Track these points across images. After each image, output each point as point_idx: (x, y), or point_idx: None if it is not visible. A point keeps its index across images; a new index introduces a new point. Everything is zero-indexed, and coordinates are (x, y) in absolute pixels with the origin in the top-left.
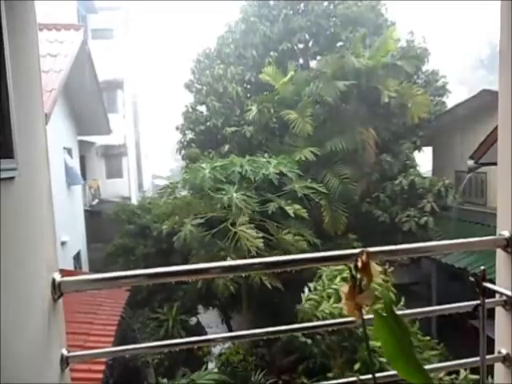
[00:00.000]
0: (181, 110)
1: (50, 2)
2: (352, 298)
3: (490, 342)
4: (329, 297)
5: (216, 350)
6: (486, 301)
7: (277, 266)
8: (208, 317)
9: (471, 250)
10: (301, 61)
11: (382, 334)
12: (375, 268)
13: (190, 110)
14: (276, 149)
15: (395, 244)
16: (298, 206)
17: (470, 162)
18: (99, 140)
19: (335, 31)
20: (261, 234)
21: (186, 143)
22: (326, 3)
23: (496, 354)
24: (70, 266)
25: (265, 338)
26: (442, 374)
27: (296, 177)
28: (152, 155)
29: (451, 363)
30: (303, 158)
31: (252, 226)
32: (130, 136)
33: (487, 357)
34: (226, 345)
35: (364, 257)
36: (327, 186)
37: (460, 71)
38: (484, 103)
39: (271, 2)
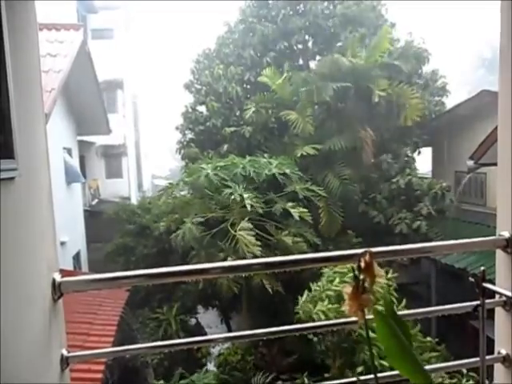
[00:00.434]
0: (180, 110)
1: (49, 1)
2: (355, 299)
3: (490, 343)
4: (327, 297)
5: (215, 350)
6: (486, 301)
7: (278, 266)
8: (207, 317)
9: (471, 251)
10: (300, 61)
11: (382, 334)
12: (378, 268)
13: (190, 110)
14: (275, 149)
15: (388, 245)
16: (303, 209)
17: (470, 163)
18: (99, 140)
19: (335, 31)
20: (259, 242)
21: (185, 143)
22: (325, 3)
23: (496, 355)
24: (70, 266)
25: (264, 338)
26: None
27: (296, 178)
28: (152, 155)
29: (451, 364)
30: (304, 154)
31: (253, 232)
32: (130, 136)
33: (487, 357)
34: (226, 345)
35: (367, 257)
36: (328, 186)
37: (460, 71)
38: (484, 103)
39: (270, 3)
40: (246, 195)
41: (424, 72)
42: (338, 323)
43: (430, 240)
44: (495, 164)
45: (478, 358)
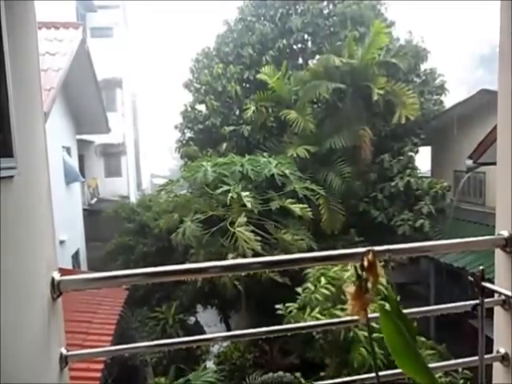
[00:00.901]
0: (179, 109)
1: (49, 0)
2: (358, 298)
3: (489, 342)
4: (316, 300)
5: (215, 348)
6: (485, 300)
7: (278, 265)
8: (207, 316)
9: (470, 250)
10: (300, 60)
11: (387, 332)
12: (380, 267)
13: (189, 109)
14: (274, 148)
15: (390, 243)
16: (303, 205)
17: (469, 162)
18: (98, 139)
19: (334, 30)
20: (259, 238)
21: (184, 142)
22: (325, 2)
23: (494, 354)
24: (69, 265)
25: (264, 337)
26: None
27: (295, 177)
28: (151, 154)
29: (450, 362)
30: (294, 155)
31: (250, 227)
32: (129, 135)
33: (486, 356)
34: (225, 344)
35: (370, 256)
36: (330, 185)
37: (459, 70)
38: (483, 103)
39: (268, 2)
40: (243, 193)
41: (422, 70)
42: (338, 322)
43: (430, 239)
44: (494, 163)
45: (476, 357)
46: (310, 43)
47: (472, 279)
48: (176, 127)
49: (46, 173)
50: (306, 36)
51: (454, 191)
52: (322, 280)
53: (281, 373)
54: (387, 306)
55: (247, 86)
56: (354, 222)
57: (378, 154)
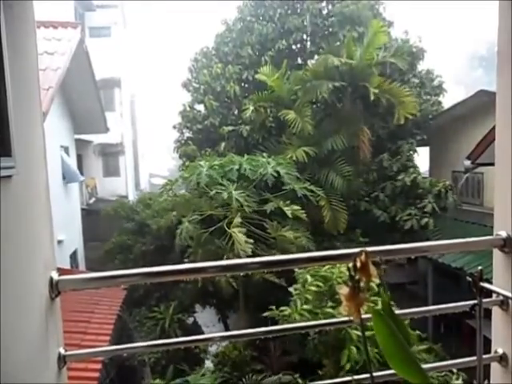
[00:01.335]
0: (178, 108)
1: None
2: (352, 299)
3: (487, 342)
4: (305, 299)
5: (213, 348)
6: (483, 301)
7: (274, 265)
8: (205, 316)
9: (468, 250)
10: (299, 60)
11: (380, 333)
12: (373, 268)
13: (188, 108)
14: (273, 148)
15: (395, 243)
16: (296, 207)
17: (467, 163)
18: (96, 138)
19: (333, 30)
20: (251, 239)
21: (183, 142)
22: (323, 3)
23: (492, 354)
24: (67, 265)
25: (262, 337)
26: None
27: (293, 176)
28: (149, 154)
29: (448, 363)
30: (294, 158)
31: (244, 228)
32: (128, 135)
33: (484, 356)
34: (223, 344)
35: (363, 256)
36: (331, 185)
37: (457, 71)
38: (481, 103)
39: (267, 2)
40: (236, 194)
41: (420, 71)
42: (333, 323)
43: (429, 239)
44: (492, 164)
45: (474, 357)
46: (308, 43)
47: (470, 279)
48: (174, 127)
49: (45, 172)
50: (304, 36)
51: (452, 192)
52: (309, 279)
53: (280, 375)
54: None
55: (246, 86)
56: (356, 221)
57: (376, 154)
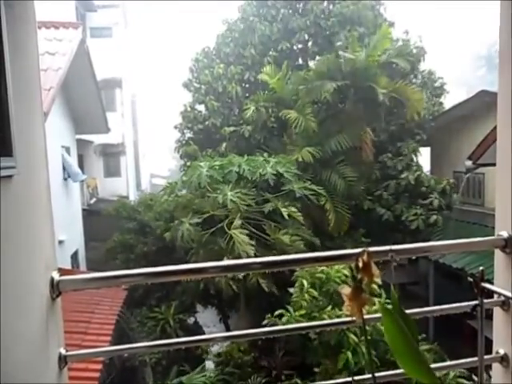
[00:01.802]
0: (179, 109)
1: (49, 0)
2: (355, 299)
3: (488, 343)
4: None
5: (214, 348)
6: (484, 301)
7: (276, 265)
8: (206, 316)
9: (469, 251)
10: (300, 61)
11: (390, 332)
12: (375, 268)
13: (189, 109)
14: (275, 148)
15: (400, 242)
16: (293, 209)
17: (468, 163)
18: (97, 139)
19: (333, 31)
20: (252, 240)
21: (184, 142)
22: (325, 3)
23: (494, 355)
24: (68, 265)
25: (263, 337)
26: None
27: (294, 177)
28: (150, 154)
29: (449, 363)
30: (300, 159)
31: (244, 229)
32: (129, 135)
33: (485, 357)
34: (225, 344)
35: (365, 256)
36: (333, 184)
37: (459, 71)
38: (482, 104)
39: (269, 2)
40: (232, 195)
41: (421, 71)
42: (335, 323)
43: (430, 240)
44: (494, 164)
45: (476, 358)
46: (309, 44)
47: (471, 280)
48: (176, 127)
49: (46, 172)
50: (306, 37)
51: (456, 192)
52: (305, 284)
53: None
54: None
55: (247, 86)
56: (359, 220)
57: (378, 154)
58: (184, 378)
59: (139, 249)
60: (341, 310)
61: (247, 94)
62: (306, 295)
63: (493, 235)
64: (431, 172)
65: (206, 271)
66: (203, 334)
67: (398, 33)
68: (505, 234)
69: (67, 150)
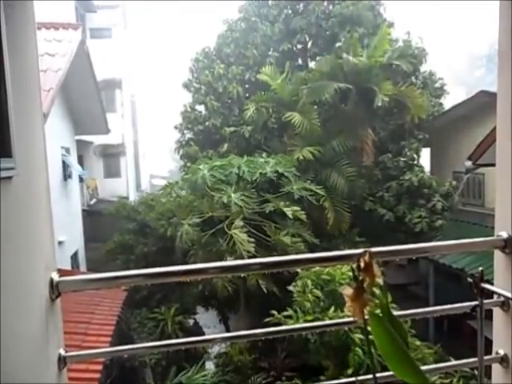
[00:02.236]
0: (179, 109)
1: (48, 0)
2: (357, 300)
3: (488, 343)
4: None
5: (214, 349)
6: (484, 302)
7: (277, 266)
8: (206, 317)
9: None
10: (300, 61)
11: (378, 335)
12: (377, 268)
13: (189, 109)
14: (275, 148)
15: (401, 243)
16: (296, 208)
17: (468, 163)
18: (97, 139)
19: (333, 31)
20: (253, 239)
21: (184, 143)
22: (325, 3)
23: (494, 355)
24: (68, 266)
25: (263, 338)
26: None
27: (294, 177)
28: (150, 155)
29: (449, 364)
30: (301, 158)
31: (245, 230)
32: (129, 135)
33: (485, 358)
34: (224, 345)
35: (366, 257)
36: (334, 185)
37: (458, 72)
38: (482, 104)
39: (270, 2)
40: (234, 196)
41: (421, 72)
42: (337, 323)
43: (430, 240)
44: (493, 165)
45: (475, 359)
46: (309, 44)
47: (471, 280)
48: (175, 128)
49: (45, 173)
50: (306, 37)
51: (454, 192)
52: (309, 284)
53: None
54: (377, 310)
55: (247, 86)
56: (361, 221)
57: (380, 155)
58: (184, 378)
59: (139, 249)
60: (343, 311)
61: (247, 95)
62: (310, 296)
63: (493, 235)
64: (431, 172)
65: (205, 272)
66: (203, 334)
67: (397, 33)
68: (504, 235)
69: (67, 150)
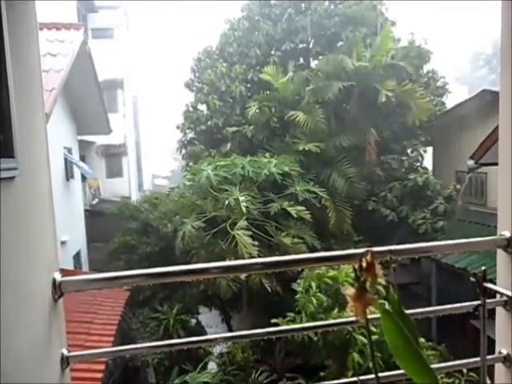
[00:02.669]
0: (181, 109)
1: (50, 1)
2: (359, 300)
3: (491, 343)
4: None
5: (217, 349)
6: (487, 301)
7: (279, 266)
8: (208, 317)
9: (472, 251)
10: (301, 60)
11: (389, 332)
12: (379, 268)
13: (191, 109)
14: (277, 148)
15: (405, 243)
16: (300, 208)
17: (471, 162)
18: (99, 139)
19: (335, 31)
20: (257, 243)
21: (186, 142)
22: (326, 3)
23: (496, 355)
24: (70, 266)
25: (265, 338)
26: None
27: (298, 177)
28: (152, 155)
29: (451, 363)
30: (307, 149)
31: (249, 232)
32: (130, 135)
33: (488, 357)
34: (226, 344)
35: (368, 257)
36: (336, 185)
37: (460, 71)
38: (484, 103)
39: (273, 2)
40: (241, 198)
41: (424, 71)
42: (339, 323)
43: (432, 240)
44: (496, 164)
45: (478, 358)
46: (311, 44)
47: (474, 280)
48: (178, 127)
49: (48, 173)
50: (308, 36)
51: (457, 192)
52: (313, 285)
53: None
54: (388, 306)
55: (249, 86)
56: (363, 221)
57: (382, 154)
58: (186, 377)
59: (142, 249)
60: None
61: (249, 94)
62: (313, 298)
63: (495, 235)
64: (433, 171)
65: (208, 272)
66: (206, 334)
67: (399, 32)
68: (507, 234)
69: (69, 150)
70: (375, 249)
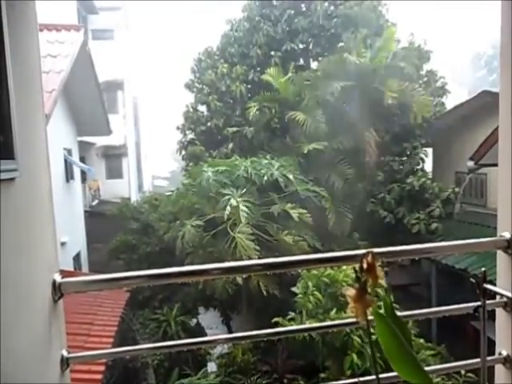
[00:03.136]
0: (181, 110)
1: (50, 2)
2: (360, 301)
3: (491, 344)
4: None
5: (217, 350)
6: (487, 302)
7: (279, 267)
8: (208, 318)
9: (472, 252)
10: (301, 61)
11: (382, 335)
12: (379, 269)
13: (191, 109)
14: (278, 149)
15: (401, 244)
16: (302, 210)
17: (470, 163)
18: (99, 141)
19: (336, 32)
20: (258, 247)
21: (186, 143)
22: (326, 3)
23: (497, 356)
24: (70, 267)
25: (265, 339)
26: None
27: (298, 180)
28: (152, 156)
29: (451, 365)
30: (309, 149)
31: (251, 237)
32: (130, 137)
33: (488, 358)
34: (226, 346)
35: (369, 258)
36: (335, 186)
37: (460, 72)
38: (484, 104)
39: (273, 2)
40: (242, 207)
41: (424, 72)
42: (338, 324)
43: (432, 241)
44: (496, 165)
45: (478, 359)
46: (311, 44)
47: (474, 281)
48: (178, 128)
49: (48, 175)
50: (308, 37)
51: (456, 193)
52: (310, 285)
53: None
54: (381, 310)
55: (249, 86)
56: (362, 222)
57: (382, 155)
58: (186, 380)
59: (142, 250)
60: (346, 312)
61: (249, 95)
62: (312, 298)
63: (495, 236)
64: (433, 172)
65: (207, 273)
66: (206, 335)
67: (399, 33)
68: (507, 235)
69: (69, 152)
70: (376, 250)
